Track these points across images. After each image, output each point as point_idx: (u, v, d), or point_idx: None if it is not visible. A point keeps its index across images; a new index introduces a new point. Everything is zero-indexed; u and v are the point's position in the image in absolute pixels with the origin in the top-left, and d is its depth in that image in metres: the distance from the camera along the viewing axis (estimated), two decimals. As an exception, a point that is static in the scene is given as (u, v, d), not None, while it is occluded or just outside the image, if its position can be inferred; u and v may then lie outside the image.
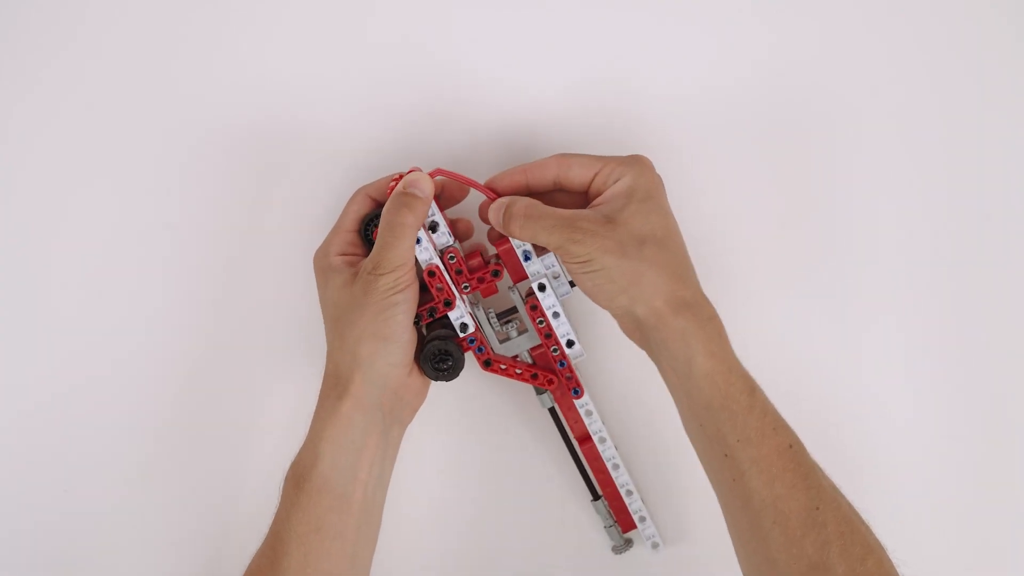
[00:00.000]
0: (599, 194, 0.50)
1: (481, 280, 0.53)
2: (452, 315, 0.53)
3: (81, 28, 0.60)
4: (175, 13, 0.60)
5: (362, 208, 0.52)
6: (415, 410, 0.54)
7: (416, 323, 0.52)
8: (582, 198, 0.52)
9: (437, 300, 0.52)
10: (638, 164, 0.49)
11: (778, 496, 0.44)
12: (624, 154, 0.51)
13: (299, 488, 0.49)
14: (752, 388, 0.47)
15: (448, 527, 0.63)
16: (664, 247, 0.47)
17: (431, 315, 0.53)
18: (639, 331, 0.50)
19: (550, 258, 0.53)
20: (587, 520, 0.62)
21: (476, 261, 0.53)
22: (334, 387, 0.50)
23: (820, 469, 0.47)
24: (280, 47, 0.60)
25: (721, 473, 0.47)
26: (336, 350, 0.51)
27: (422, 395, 0.54)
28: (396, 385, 0.51)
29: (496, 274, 0.53)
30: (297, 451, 0.51)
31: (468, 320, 0.53)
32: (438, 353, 0.52)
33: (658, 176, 0.50)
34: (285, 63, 0.60)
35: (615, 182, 0.49)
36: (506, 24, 0.60)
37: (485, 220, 0.53)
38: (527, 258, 0.52)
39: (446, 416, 0.62)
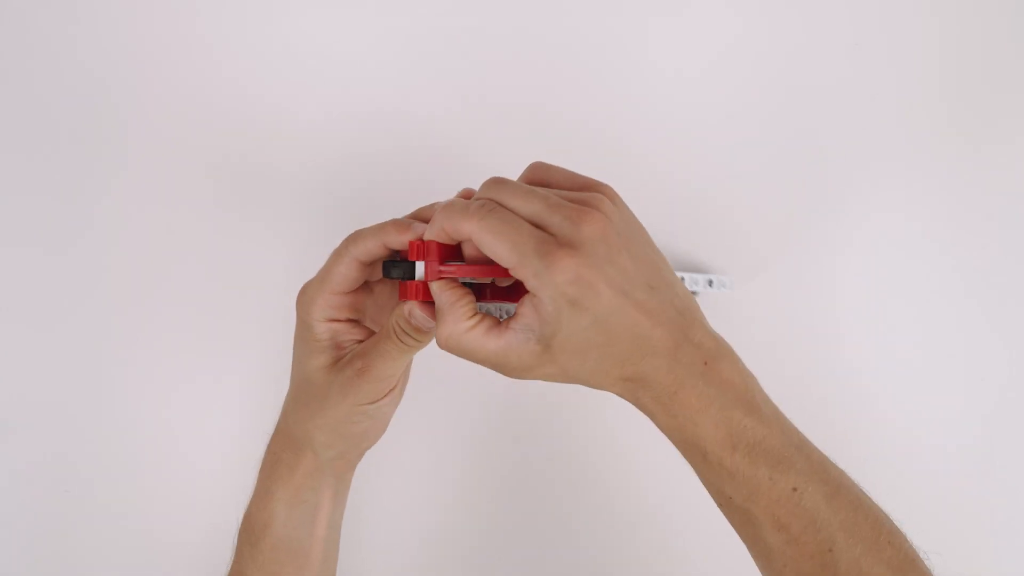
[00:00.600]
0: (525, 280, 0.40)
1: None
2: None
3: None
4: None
5: (350, 272, 0.45)
6: (369, 447, 0.51)
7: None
8: None
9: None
10: (550, 267, 0.38)
11: (786, 540, 0.41)
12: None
13: (254, 546, 0.48)
14: (733, 444, 0.41)
15: (445, 528, 0.63)
16: (612, 350, 0.40)
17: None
18: None
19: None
20: (582, 520, 0.63)
21: None
22: (287, 448, 0.49)
23: (838, 497, 0.42)
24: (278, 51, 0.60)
25: (729, 514, 0.43)
26: (295, 414, 0.48)
27: (377, 436, 0.51)
28: (352, 457, 0.50)
29: None
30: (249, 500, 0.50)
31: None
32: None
33: (582, 257, 0.38)
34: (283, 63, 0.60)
35: (533, 291, 0.39)
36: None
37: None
38: None
39: (446, 422, 0.62)
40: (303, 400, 0.47)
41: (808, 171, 0.62)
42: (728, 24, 0.61)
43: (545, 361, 0.40)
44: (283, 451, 0.49)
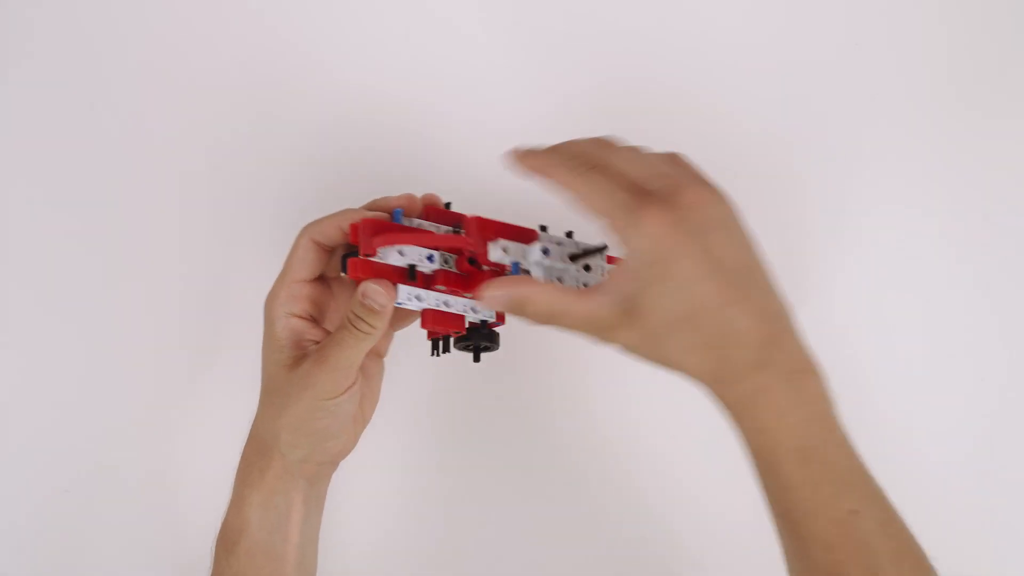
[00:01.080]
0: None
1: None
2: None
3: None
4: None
5: (307, 255, 0.48)
6: (342, 458, 0.52)
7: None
8: None
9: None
10: (638, 220, 0.40)
11: (834, 561, 0.41)
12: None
13: (230, 552, 0.49)
14: (806, 458, 0.41)
15: (428, 525, 0.63)
16: (696, 326, 0.40)
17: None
18: None
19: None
20: (571, 525, 0.62)
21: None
22: (257, 452, 0.50)
23: (892, 525, 0.42)
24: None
25: (780, 524, 0.43)
26: (262, 415, 0.50)
27: (349, 448, 0.52)
28: (319, 460, 0.50)
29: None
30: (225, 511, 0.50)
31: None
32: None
33: (674, 217, 0.39)
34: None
35: (622, 243, 0.41)
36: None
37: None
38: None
39: (417, 411, 0.62)
40: (268, 401, 0.49)
41: (807, 171, 0.62)
42: (728, 24, 0.61)
43: (627, 323, 0.41)
44: (254, 455, 0.50)
